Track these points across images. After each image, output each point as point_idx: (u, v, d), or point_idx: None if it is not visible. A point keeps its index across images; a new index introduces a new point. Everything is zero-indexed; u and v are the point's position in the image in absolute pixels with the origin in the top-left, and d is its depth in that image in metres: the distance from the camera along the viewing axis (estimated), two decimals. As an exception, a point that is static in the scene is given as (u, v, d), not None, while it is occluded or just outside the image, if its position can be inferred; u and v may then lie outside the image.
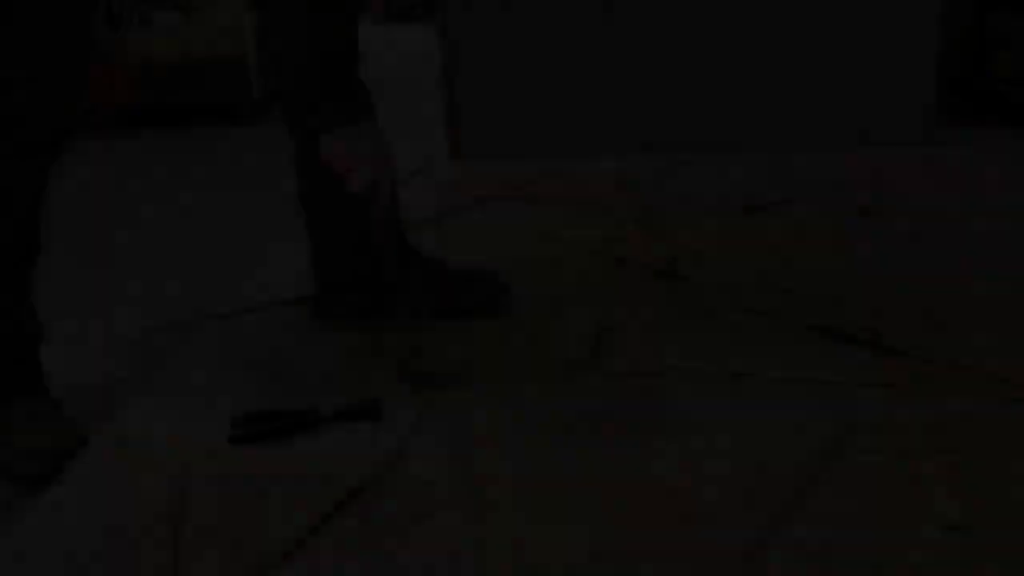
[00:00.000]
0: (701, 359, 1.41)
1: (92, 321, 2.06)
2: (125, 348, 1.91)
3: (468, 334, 1.52)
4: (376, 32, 11.32)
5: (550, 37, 2.63)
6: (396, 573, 0.96)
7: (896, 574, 0.93)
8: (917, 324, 1.50)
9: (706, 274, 1.73)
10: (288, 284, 1.79)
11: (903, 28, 2.59)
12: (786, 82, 2.67)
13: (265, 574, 0.97)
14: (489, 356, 1.45)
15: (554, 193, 2.30)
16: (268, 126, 3.67)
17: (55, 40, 1.15)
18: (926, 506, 1.03)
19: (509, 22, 2.61)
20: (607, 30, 2.61)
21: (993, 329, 1.46)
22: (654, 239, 1.92)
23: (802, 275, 1.72)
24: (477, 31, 2.60)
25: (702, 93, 2.67)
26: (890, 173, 2.38)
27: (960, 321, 1.50)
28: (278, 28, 1.32)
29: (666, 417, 1.25)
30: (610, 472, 1.13)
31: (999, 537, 0.98)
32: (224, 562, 1.00)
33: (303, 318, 1.59)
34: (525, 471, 1.14)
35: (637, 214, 2.08)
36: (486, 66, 2.57)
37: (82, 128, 4.12)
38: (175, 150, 4.12)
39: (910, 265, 1.74)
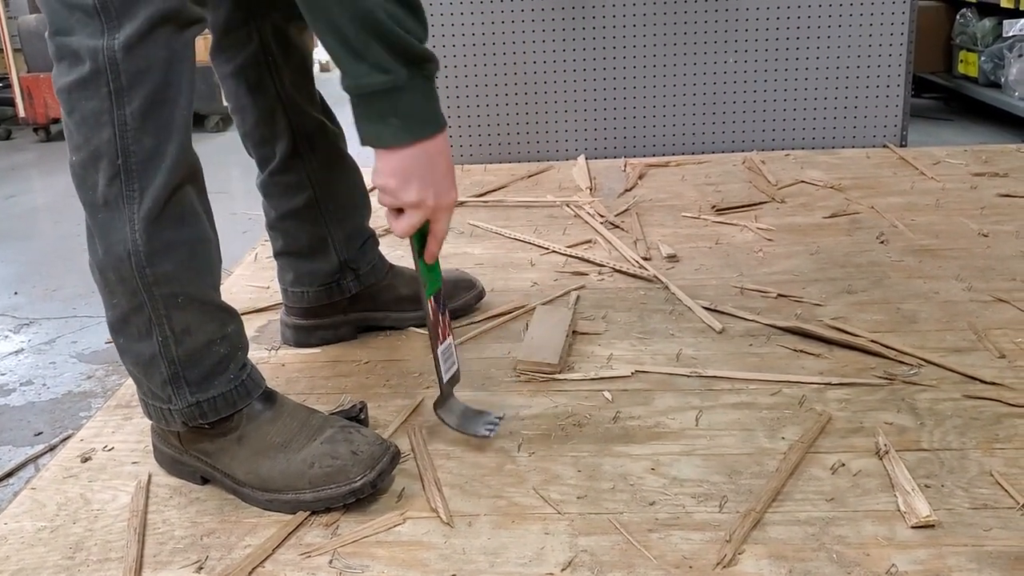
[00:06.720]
0: (672, 362, 1.40)
1: (69, 326, 2.03)
2: (99, 355, 1.89)
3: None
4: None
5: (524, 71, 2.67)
6: (366, 582, 0.95)
7: (870, 574, 0.93)
8: (887, 323, 1.50)
9: (678, 275, 1.73)
10: (269, 290, 1.77)
11: (876, 36, 2.65)
12: (761, 88, 2.71)
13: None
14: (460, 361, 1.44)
15: (524, 196, 2.30)
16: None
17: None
18: (898, 504, 1.03)
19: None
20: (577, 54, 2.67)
21: (960, 327, 1.47)
22: (624, 240, 1.92)
23: (773, 275, 1.72)
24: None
25: (677, 105, 2.73)
26: (864, 174, 2.39)
27: (929, 319, 1.51)
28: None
29: (637, 421, 1.24)
30: (581, 476, 1.12)
31: (967, 534, 0.98)
32: (190, 572, 0.98)
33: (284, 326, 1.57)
34: (494, 477, 1.13)
35: (607, 215, 2.08)
36: (468, 85, 2.73)
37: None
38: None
39: (880, 262, 1.75)
